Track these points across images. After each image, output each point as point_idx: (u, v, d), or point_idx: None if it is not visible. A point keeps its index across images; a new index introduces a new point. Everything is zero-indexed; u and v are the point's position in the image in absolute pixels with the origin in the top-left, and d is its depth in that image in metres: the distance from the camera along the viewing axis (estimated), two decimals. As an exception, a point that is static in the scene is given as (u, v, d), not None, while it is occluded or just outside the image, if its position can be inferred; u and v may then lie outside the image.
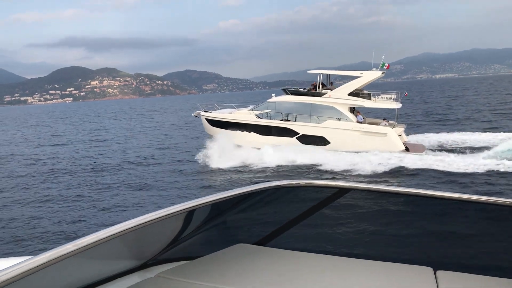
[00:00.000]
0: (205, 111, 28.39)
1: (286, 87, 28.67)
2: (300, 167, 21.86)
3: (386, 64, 26.17)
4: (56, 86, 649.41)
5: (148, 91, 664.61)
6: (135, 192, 19.49)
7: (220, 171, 22.25)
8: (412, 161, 20.33)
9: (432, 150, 24.62)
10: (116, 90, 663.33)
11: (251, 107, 28.20)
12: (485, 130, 30.77)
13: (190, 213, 2.05)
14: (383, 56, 26.54)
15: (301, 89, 27.76)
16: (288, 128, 25.44)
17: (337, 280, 2.05)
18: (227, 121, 26.61)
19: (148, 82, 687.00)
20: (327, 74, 27.79)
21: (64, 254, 1.33)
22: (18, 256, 2.60)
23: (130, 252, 2.16)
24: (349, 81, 25.95)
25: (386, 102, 25.75)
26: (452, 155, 21.55)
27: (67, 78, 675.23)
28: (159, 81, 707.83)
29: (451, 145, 25.72)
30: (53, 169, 26.54)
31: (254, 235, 2.57)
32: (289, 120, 26.01)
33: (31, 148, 40.22)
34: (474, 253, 2.37)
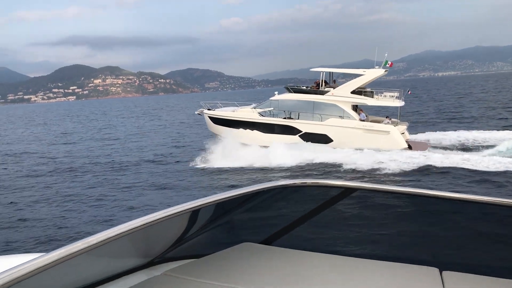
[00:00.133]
0: (208, 109, 28.32)
1: (289, 85, 28.59)
2: (317, 166, 21.66)
3: (389, 62, 26.19)
4: (59, 84, 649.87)
5: (151, 90, 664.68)
6: (159, 191, 19.32)
7: (228, 170, 21.97)
8: (439, 160, 20.08)
9: (450, 149, 24.36)
10: (119, 89, 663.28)
11: (254, 105, 28.12)
12: (504, 128, 30.47)
13: (196, 212, 2.06)
14: (386, 54, 26.52)
15: (304, 87, 27.75)
16: (291, 126, 25.42)
17: (343, 279, 2.05)
18: (230, 119, 26.55)
19: (151, 81, 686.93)
20: (330, 72, 27.79)
21: (74, 252, 1.35)
22: (31, 253, 2.62)
23: (137, 250, 2.18)
24: (352, 79, 25.94)
25: (389, 100, 25.76)
26: (477, 154, 21.33)
27: (70, 77, 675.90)
28: (162, 80, 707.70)
29: (472, 144, 25.44)
30: (71, 167, 26.39)
31: (260, 234, 2.57)
32: (292, 118, 25.98)
33: (44, 146, 40.13)
34: (480, 254, 2.33)
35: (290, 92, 27.05)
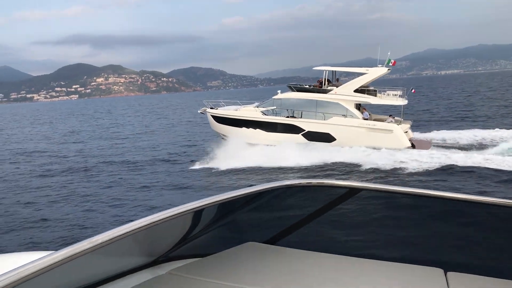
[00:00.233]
0: (211, 108, 28.22)
1: (292, 83, 28.49)
2: (337, 166, 21.41)
3: (392, 61, 26.05)
4: (62, 83, 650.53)
5: (153, 88, 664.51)
6: (178, 191, 19.13)
7: (245, 170, 21.72)
8: (461, 160, 19.81)
9: (465, 149, 24.00)
10: (121, 87, 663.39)
11: (256, 103, 28.07)
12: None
13: (201, 212, 2.07)
14: (389, 53, 26.39)
15: (307, 86, 27.63)
16: (294, 125, 25.31)
17: (347, 280, 2.04)
18: (233, 118, 26.47)
19: (153, 79, 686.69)
20: (332, 71, 27.68)
21: (80, 252, 1.37)
22: (34, 251, 2.70)
23: (142, 249, 2.19)
24: (355, 77, 25.85)
25: (392, 98, 25.71)
26: (498, 153, 21.04)
27: (73, 75, 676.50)
28: (164, 78, 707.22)
29: (491, 142, 25.13)
30: (86, 167, 26.22)
31: (265, 234, 2.57)
32: (295, 117, 25.87)
33: (53, 145, 39.99)
34: (486, 255, 2.32)
35: (293, 91, 26.98)
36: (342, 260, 2.26)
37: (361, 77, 25.37)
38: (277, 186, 2.20)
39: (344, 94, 25.14)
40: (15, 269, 1.25)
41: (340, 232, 2.57)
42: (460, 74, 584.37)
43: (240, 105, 28.27)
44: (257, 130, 25.86)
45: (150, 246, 2.23)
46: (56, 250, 1.38)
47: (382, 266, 2.18)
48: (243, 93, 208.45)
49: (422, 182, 17.05)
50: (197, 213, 2.07)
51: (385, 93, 26.12)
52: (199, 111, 30.20)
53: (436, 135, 28.55)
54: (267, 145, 24.22)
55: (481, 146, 24.24)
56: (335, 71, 27.88)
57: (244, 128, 26.04)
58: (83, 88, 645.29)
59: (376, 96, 25.54)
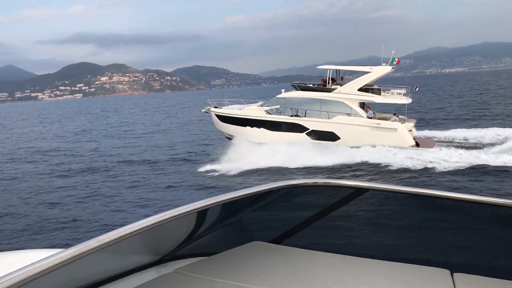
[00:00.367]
0: (215, 107, 28.10)
1: (296, 82, 28.39)
2: (360, 165, 21.17)
3: (396, 59, 25.87)
4: (66, 82, 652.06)
5: (157, 87, 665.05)
6: (205, 190, 18.93)
7: (259, 170, 21.47)
8: (491, 159, 19.52)
9: (480, 148, 23.54)
10: (125, 86, 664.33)
11: (260, 102, 28.06)
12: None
13: (206, 211, 2.06)
14: (393, 51, 26.16)
15: (311, 85, 27.54)
16: (298, 124, 25.23)
17: (352, 280, 2.03)
18: (237, 117, 26.37)
19: (157, 78, 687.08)
20: (336, 70, 27.52)
21: (87, 250, 1.38)
22: (40, 248, 2.77)
23: (148, 248, 2.21)
24: (359, 76, 25.73)
25: (396, 97, 25.64)
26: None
27: (77, 74, 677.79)
28: (168, 77, 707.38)
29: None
30: (106, 166, 26.11)
31: (270, 233, 2.57)
32: (299, 116, 25.80)
33: (67, 144, 39.92)
34: (493, 256, 2.30)
35: (297, 89, 26.88)
36: (349, 260, 2.24)
37: (365, 75, 25.31)
38: (283, 185, 2.19)
39: (348, 93, 25.08)
40: (22, 268, 1.25)
41: (347, 232, 2.54)
42: (465, 72, 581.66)
43: (244, 104, 28.24)
44: (261, 129, 25.82)
45: (156, 245, 2.25)
46: (66, 248, 1.38)
47: (388, 267, 2.16)
48: (247, 92, 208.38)
49: (457, 182, 16.78)
50: (203, 213, 2.06)
51: (389, 91, 26.02)
52: (203, 110, 30.17)
53: (454, 134, 28.27)
54: (272, 144, 24.01)
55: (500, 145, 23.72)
56: (339, 69, 27.74)
57: (248, 127, 26.02)
58: (87, 87, 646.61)
59: (380, 94, 25.47)
